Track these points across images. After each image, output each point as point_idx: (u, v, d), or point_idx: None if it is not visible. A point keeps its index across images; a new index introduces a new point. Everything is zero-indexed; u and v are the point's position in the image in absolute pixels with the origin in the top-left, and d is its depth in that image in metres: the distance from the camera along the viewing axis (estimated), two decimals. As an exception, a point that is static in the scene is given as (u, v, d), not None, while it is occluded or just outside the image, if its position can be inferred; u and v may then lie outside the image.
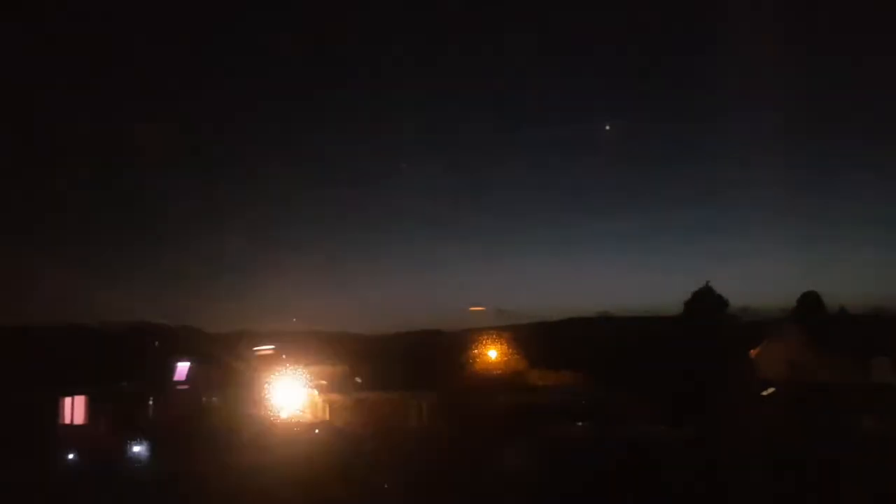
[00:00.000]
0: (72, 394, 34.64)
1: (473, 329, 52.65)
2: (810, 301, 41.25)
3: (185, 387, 37.65)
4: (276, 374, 38.84)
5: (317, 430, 33.97)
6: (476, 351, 42.64)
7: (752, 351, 39.56)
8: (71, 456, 28.42)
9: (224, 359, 39.03)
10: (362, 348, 52.73)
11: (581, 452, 24.12)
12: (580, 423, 31.17)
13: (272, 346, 41.40)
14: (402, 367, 43.57)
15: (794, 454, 21.45)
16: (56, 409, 34.00)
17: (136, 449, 29.98)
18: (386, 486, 20.93)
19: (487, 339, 43.66)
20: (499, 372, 41.44)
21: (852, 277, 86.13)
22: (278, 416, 36.81)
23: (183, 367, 38.46)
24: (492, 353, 42.66)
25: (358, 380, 41.47)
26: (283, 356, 40.53)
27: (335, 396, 38.21)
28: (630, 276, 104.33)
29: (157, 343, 41.34)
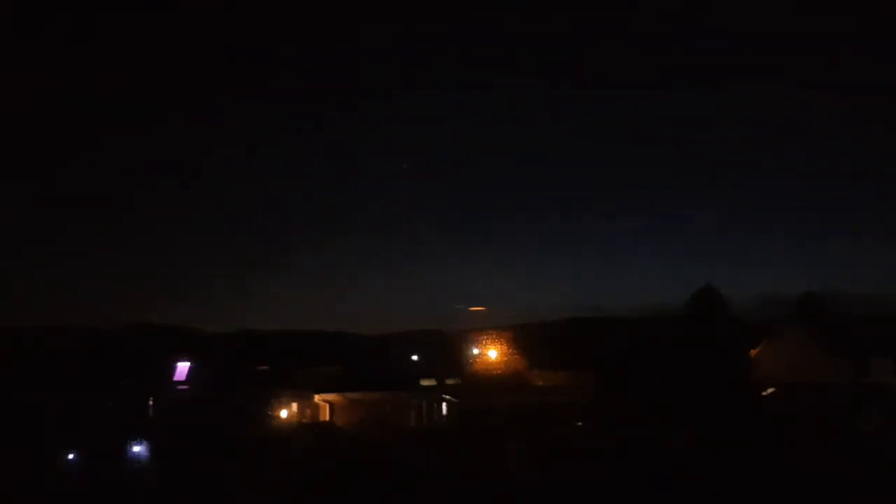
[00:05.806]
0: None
1: (473, 329, 52.77)
2: (810, 301, 41.25)
3: (185, 387, 37.51)
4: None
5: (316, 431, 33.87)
6: (476, 351, 42.68)
7: (752, 351, 39.53)
8: (71, 456, 28.29)
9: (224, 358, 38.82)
10: (362, 347, 52.81)
11: (581, 453, 24.10)
12: (580, 424, 31.17)
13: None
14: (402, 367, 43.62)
15: (792, 454, 21.46)
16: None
17: (136, 449, 29.85)
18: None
19: (487, 338, 43.72)
20: (499, 372, 41.47)
21: (853, 277, 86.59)
22: (278, 416, 36.74)
23: (183, 367, 38.32)
24: (492, 353, 42.70)
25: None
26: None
27: (335, 396, 38.14)
28: (630, 276, 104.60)
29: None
